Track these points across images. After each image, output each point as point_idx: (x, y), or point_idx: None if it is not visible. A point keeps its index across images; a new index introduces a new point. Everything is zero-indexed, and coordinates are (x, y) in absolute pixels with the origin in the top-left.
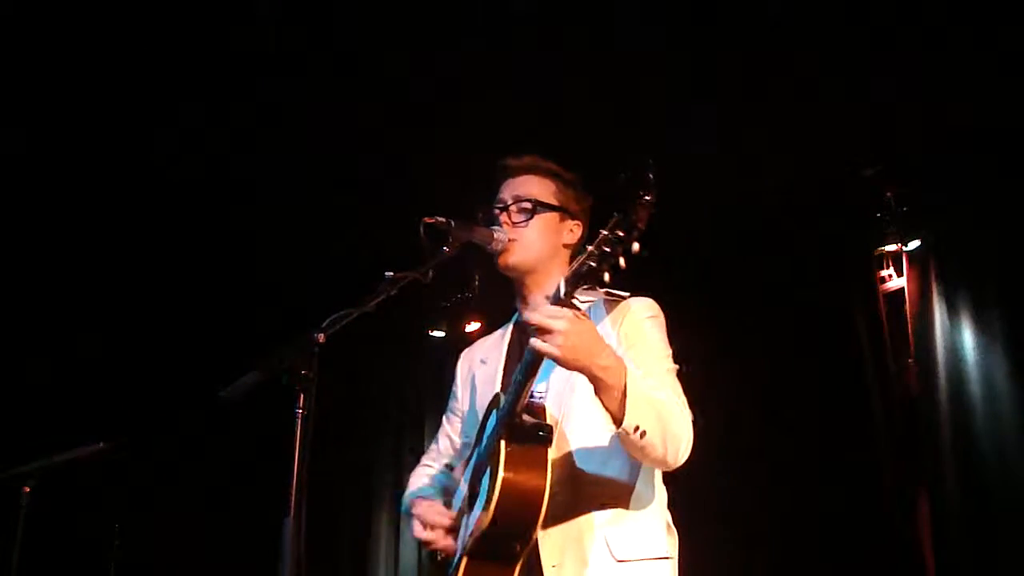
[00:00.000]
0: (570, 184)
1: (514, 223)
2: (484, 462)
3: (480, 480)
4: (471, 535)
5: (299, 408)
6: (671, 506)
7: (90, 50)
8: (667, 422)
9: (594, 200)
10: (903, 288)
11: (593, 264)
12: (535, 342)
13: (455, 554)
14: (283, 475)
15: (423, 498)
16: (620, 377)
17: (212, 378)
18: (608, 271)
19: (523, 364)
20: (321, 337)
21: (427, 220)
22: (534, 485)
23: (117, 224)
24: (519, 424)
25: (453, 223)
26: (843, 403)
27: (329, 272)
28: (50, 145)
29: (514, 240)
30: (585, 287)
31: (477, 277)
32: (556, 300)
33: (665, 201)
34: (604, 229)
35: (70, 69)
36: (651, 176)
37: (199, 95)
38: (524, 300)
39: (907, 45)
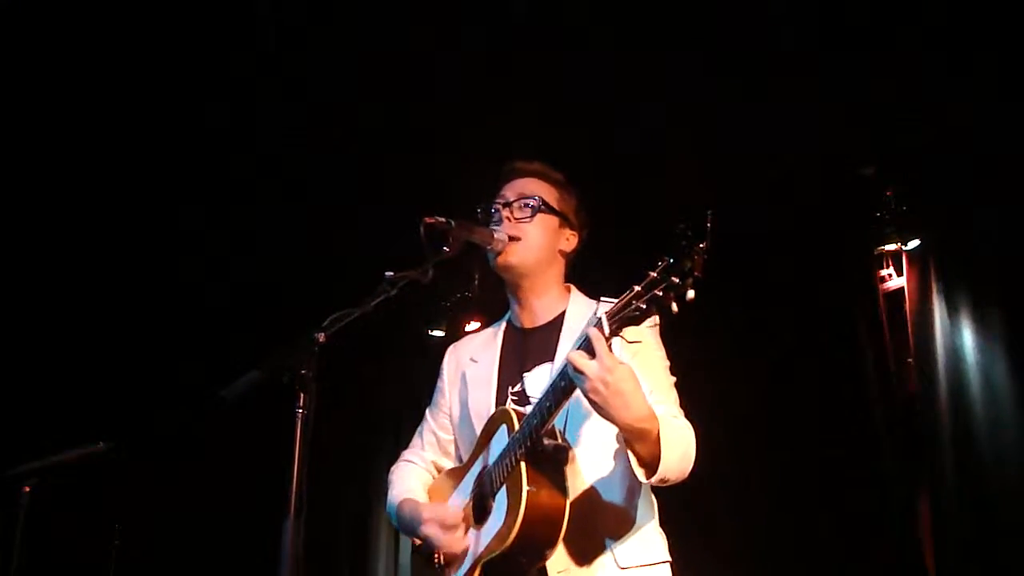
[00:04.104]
0: (573, 196)
1: (517, 219)
2: (497, 480)
3: (492, 496)
4: (486, 552)
5: (299, 408)
6: (670, 507)
7: (93, 56)
8: (686, 456)
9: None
10: (903, 288)
11: (644, 307)
12: (575, 379)
13: (456, 565)
14: (283, 475)
15: (412, 500)
16: (655, 428)
17: (212, 378)
18: (659, 314)
19: (553, 391)
20: (321, 337)
21: (427, 220)
22: (556, 506)
23: (117, 223)
24: (541, 447)
25: (453, 223)
26: (843, 403)
27: (329, 272)
28: (51, 144)
29: (515, 239)
30: (630, 328)
31: (477, 277)
32: (597, 336)
33: (664, 200)
34: (652, 271)
35: (72, 73)
36: (709, 225)
37: (199, 95)
38: (519, 303)
39: (907, 45)
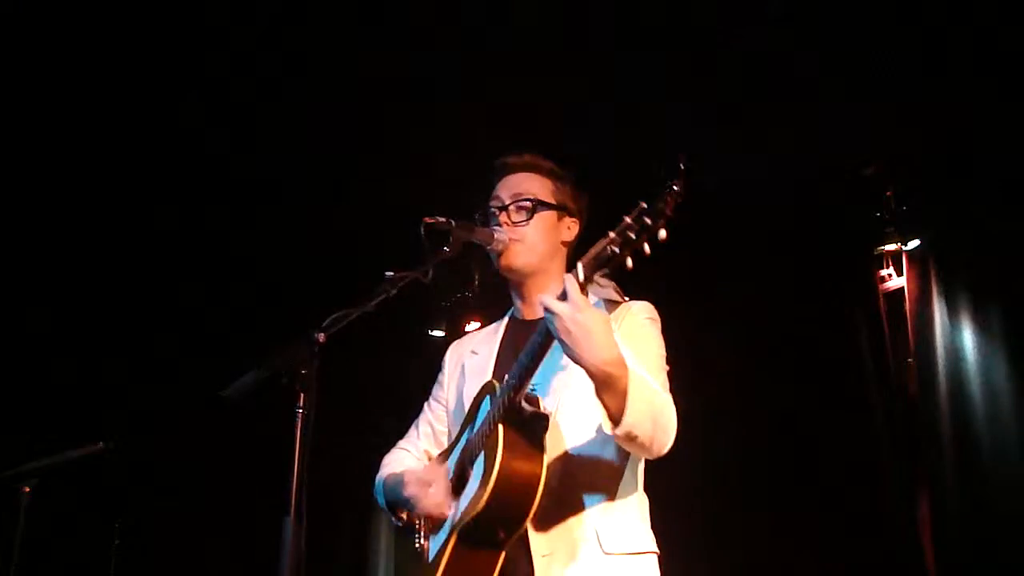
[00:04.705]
0: (567, 182)
1: (514, 222)
2: (476, 447)
3: (471, 464)
4: (462, 518)
5: (299, 408)
6: (669, 505)
7: (86, 46)
8: (658, 421)
9: (616, 189)
10: (903, 288)
11: (616, 249)
12: (548, 320)
13: (435, 534)
14: (283, 475)
15: (397, 473)
16: (624, 378)
17: (212, 378)
18: (631, 256)
19: (530, 347)
20: (321, 337)
21: (427, 220)
22: (530, 471)
23: (117, 224)
24: (519, 410)
25: (454, 223)
26: (843, 403)
27: (329, 272)
28: (51, 144)
29: (516, 241)
30: (604, 272)
31: (477, 277)
32: (571, 280)
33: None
34: (627, 216)
35: (68, 64)
36: (681, 166)
37: (199, 94)
38: (522, 298)
39: (907, 45)
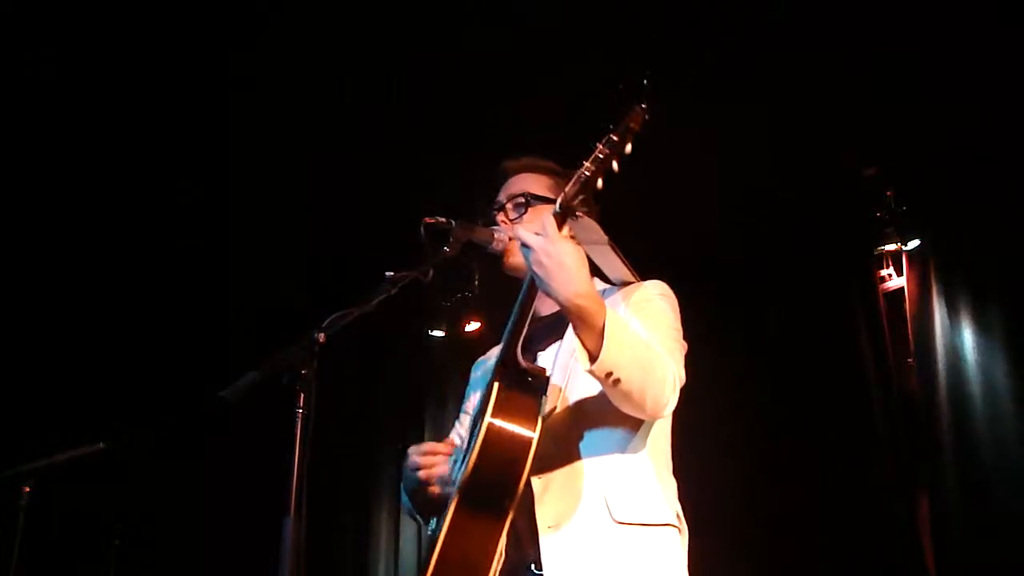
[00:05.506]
0: (570, 177)
1: (511, 220)
2: (479, 413)
3: (474, 430)
4: (461, 478)
5: (299, 408)
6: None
7: (85, 48)
8: (648, 372)
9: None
10: (903, 288)
11: (588, 174)
12: (523, 254)
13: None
14: (283, 475)
15: None
16: (599, 315)
17: (212, 378)
18: (602, 177)
19: (518, 297)
20: (321, 337)
21: (427, 220)
22: (521, 434)
23: (117, 222)
24: (514, 365)
25: (454, 223)
26: (843, 403)
27: (329, 272)
28: (50, 145)
29: (514, 239)
30: (582, 197)
31: (477, 276)
32: (555, 213)
33: (665, 200)
34: (599, 143)
35: (67, 59)
36: (646, 85)
37: (198, 94)
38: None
39: (907, 45)
